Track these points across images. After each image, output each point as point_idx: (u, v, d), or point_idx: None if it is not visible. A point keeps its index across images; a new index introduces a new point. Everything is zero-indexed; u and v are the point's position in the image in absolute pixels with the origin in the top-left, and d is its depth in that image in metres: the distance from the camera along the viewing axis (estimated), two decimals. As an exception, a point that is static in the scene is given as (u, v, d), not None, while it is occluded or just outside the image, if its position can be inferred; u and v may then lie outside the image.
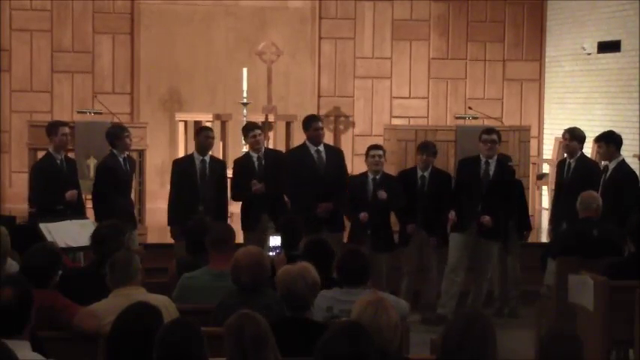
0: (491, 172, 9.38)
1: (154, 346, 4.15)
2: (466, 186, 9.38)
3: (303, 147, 9.62)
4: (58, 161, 9.43)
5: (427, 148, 9.59)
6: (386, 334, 4.38)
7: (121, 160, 9.43)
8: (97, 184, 9.52)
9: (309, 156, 9.43)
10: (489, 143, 9.36)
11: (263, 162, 9.44)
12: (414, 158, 9.84)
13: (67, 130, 9.53)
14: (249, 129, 9.65)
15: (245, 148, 12.37)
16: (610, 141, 9.37)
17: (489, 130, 9.58)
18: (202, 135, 9.51)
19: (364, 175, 9.46)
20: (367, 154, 9.41)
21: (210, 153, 9.54)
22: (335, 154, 9.75)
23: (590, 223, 8.01)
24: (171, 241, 9.48)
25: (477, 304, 9.44)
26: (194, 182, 9.32)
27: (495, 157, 9.44)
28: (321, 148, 9.52)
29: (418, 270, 9.69)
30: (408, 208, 9.48)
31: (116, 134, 9.46)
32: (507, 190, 9.38)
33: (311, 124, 9.58)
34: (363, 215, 9.14)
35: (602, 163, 9.74)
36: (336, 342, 3.90)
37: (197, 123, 12.84)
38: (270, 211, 9.28)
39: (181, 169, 9.46)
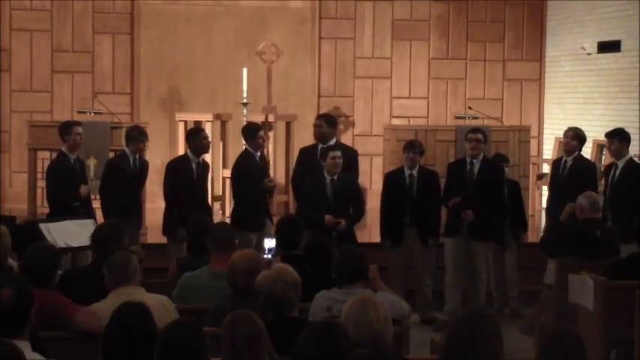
0: (475, 173, 9.38)
1: (156, 346, 4.16)
2: (454, 189, 9.37)
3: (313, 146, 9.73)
4: (72, 160, 9.52)
5: (413, 146, 9.56)
6: (375, 327, 4.38)
7: (130, 160, 9.53)
8: (102, 180, 9.67)
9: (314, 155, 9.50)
10: (474, 142, 9.36)
11: (264, 161, 9.49)
12: (401, 157, 9.81)
13: (80, 129, 9.59)
14: (256, 130, 9.61)
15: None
16: (623, 138, 9.41)
17: (475, 130, 9.59)
18: (201, 136, 9.51)
19: (320, 176, 9.26)
20: (325, 156, 9.18)
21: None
22: (345, 155, 9.71)
23: (594, 224, 7.99)
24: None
25: (475, 305, 9.43)
26: (192, 183, 9.34)
27: (481, 157, 9.43)
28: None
29: (407, 269, 9.69)
30: (402, 207, 9.49)
31: (133, 137, 9.56)
32: (492, 189, 9.35)
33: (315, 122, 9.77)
34: (328, 219, 9.00)
35: (610, 160, 9.76)
36: (308, 343, 3.92)
37: (197, 123, 12.86)
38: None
39: (179, 170, 9.42)
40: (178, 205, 9.20)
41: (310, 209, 9.07)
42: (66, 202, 9.28)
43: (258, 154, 9.57)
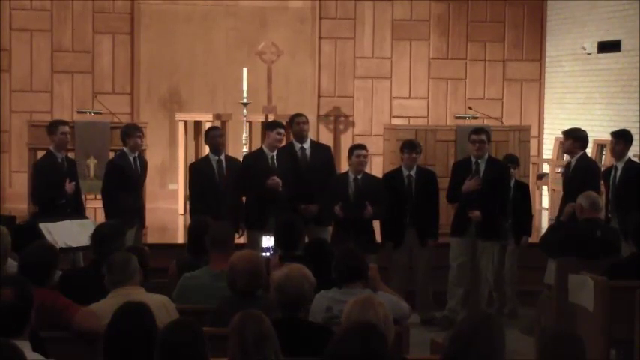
0: (481, 172, 9.39)
1: (156, 346, 4.15)
2: (459, 188, 9.38)
3: (289, 145, 9.65)
4: (59, 160, 9.56)
5: (414, 147, 9.56)
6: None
7: (130, 159, 9.58)
8: (105, 181, 9.68)
9: (294, 153, 9.47)
10: (478, 143, 9.38)
11: (276, 161, 9.44)
12: (399, 158, 9.81)
13: (66, 129, 9.63)
14: (275, 126, 9.54)
15: (245, 148, 12.46)
16: (628, 140, 9.45)
17: (478, 131, 9.59)
18: (210, 135, 9.49)
19: (345, 174, 9.34)
20: (351, 154, 9.25)
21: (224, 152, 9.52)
22: (322, 151, 9.75)
23: (594, 224, 7.98)
24: (171, 241, 9.49)
25: (478, 305, 9.44)
26: (214, 183, 9.29)
27: (486, 157, 9.45)
28: (306, 145, 9.54)
29: (407, 269, 9.68)
30: (400, 208, 9.47)
31: (128, 133, 9.63)
32: (498, 188, 9.36)
33: (293, 119, 9.63)
34: (338, 210, 8.97)
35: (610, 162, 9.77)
36: (348, 342, 3.85)
37: (197, 123, 12.86)
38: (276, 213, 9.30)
39: (199, 172, 9.39)
40: (203, 206, 9.07)
41: (330, 206, 9.07)
42: (51, 199, 9.30)
43: (272, 154, 9.40)
